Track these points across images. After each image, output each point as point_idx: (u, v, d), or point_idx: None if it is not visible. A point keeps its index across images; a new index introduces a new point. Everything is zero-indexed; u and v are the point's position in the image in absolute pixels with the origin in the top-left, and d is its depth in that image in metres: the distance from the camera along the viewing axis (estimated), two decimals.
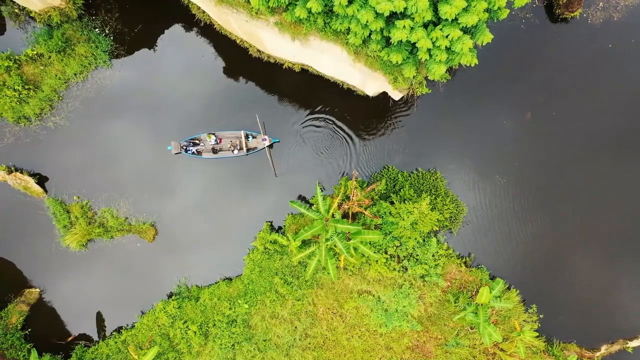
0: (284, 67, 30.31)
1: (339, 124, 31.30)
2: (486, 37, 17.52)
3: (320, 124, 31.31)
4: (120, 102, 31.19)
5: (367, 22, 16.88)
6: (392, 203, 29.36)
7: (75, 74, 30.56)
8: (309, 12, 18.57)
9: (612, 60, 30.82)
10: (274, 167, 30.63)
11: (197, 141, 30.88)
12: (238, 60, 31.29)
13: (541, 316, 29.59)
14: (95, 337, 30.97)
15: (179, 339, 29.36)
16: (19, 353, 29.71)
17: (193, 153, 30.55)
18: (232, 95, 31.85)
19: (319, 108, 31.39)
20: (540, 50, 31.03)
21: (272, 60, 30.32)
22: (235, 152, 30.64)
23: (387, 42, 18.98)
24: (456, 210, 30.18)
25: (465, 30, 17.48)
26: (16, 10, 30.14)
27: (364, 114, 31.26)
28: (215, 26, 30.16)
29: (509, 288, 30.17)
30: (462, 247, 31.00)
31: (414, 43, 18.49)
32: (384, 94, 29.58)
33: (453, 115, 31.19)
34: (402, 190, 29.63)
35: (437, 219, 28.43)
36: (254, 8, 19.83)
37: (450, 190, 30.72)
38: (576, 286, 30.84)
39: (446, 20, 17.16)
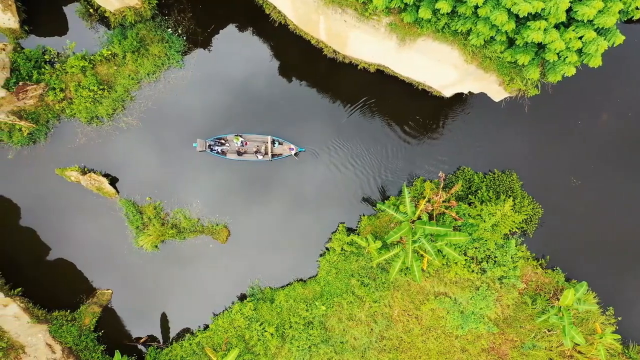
0: (358, 67, 30.11)
1: (412, 124, 31.20)
2: (618, 38, 17.36)
3: (389, 122, 31.24)
4: (188, 102, 31.01)
5: (501, 23, 16.72)
6: (469, 204, 29.21)
7: (148, 74, 30.37)
8: (433, 12, 18.42)
9: None
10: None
11: (224, 141, 30.72)
12: (311, 60, 31.14)
13: (619, 318, 29.38)
14: (167, 339, 30.87)
15: (255, 341, 29.23)
16: (93, 355, 29.63)
17: (218, 153, 30.41)
18: (295, 96, 31.67)
19: (389, 106, 31.27)
20: (616, 50, 30.73)
21: (346, 61, 30.12)
22: (260, 157, 30.40)
23: (509, 43, 18.82)
24: (532, 211, 29.99)
25: (597, 32, 17.32)
26: (90, 10, 29.94)
27: (438, 114, 31.12)
28: (290, 26, 29.92)
29: None
30: (536, 248, 30.83)
31: (540, 44, 18.35)
32: (458, 95, 29.54)
33: (526, 116, 30.85)
34: (479, 191, 29.46)
35: (518, 220, 28.25)
36: (369, 8, 19.64)
37: (525, 191, 30.50)
38: None
39: (580, 21, 17.00)
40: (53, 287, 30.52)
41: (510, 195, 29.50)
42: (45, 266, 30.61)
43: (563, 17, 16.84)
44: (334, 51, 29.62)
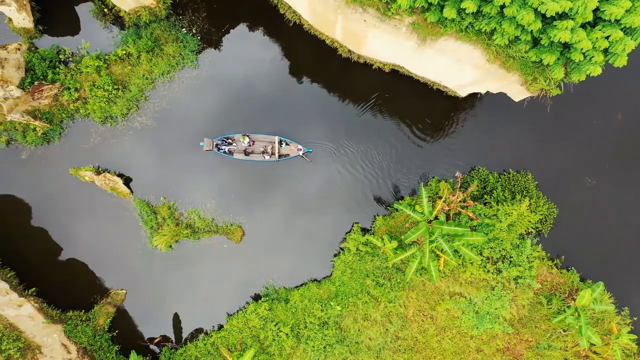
0: (373, 67, 30.06)
1: (426, 124, 31.17)
2: None
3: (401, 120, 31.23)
4: (201, 101, 30.96)
5: (528, 22, 16.68)
6: (485, 204, 29.16)
7: (162, 74, 30.32)
8: (458, 12, 18.38)
9: None
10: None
11: (231, 140, 30.70)
12: (324, 60, 31.09)
13: (635, 319, 29.33)
14: (181, 339, 30.81)
15: (270, 341, 29.16)
16: (108, 355, 29.56)
17: (225, 152, 30.41)
18: (307, 95, 31.63)
19: (402, 106, 31.21)
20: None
21: (361, 61, 30.07)
22: (267, 157, 30.41)
23: (534, 42, 18.77)
24: (547, 211, 29.95)
25: (623, 31, 17.27)
26: (105, 10, 29.89)
27: (452, 114, 31.09)
28: (304, 26, 29.86)
29: None
30: (551, 248, 30.75)
31: (565, 43, 18.30)
32: (473, 95, 29.53)
33: (539, 116, 30.88)
34: (494, 191, 29.41)
35: (535, 220, 28.20)
36: (392, 8, 19.59)
37: (540, 191, 30.44)
38: None
39: (607, 20, 16.96)
40: (67, 287, 30.47)
41: (525, 195, 29.44)
42: (58, 266, 30.56)
43: (590, 17, 16.80)
44: (349, 51, 29.56)
